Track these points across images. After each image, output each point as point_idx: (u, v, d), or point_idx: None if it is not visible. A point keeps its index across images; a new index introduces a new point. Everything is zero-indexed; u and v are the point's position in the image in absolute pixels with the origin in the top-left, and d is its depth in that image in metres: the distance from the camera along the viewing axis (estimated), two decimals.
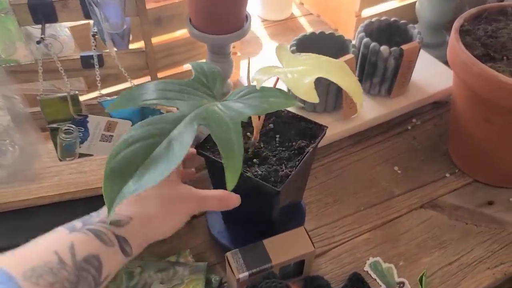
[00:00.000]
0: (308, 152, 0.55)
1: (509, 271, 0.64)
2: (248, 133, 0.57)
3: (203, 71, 0.49)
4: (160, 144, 0.40)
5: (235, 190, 0.41)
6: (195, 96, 0.46)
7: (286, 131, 0.58)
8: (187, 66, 0.87)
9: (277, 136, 0.57)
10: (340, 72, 0.47)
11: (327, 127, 0.58)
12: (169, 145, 0.40)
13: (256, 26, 1.11)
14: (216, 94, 0.48)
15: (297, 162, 0.54)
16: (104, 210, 0.42)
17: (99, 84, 0.55)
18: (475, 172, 0.76)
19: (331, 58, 0.48)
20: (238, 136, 0.42)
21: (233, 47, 0.90)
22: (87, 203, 0.65)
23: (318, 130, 0.57)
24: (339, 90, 0.77)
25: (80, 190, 0.66)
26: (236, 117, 0.44)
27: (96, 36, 0.54)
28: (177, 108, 0.44)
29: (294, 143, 0.56)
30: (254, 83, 0.48)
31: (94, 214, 0.43)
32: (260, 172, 0.53)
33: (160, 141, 0.40)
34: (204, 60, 0.81)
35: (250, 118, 0.54)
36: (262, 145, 0.56)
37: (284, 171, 0.53)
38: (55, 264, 0.36)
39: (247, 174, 0.52)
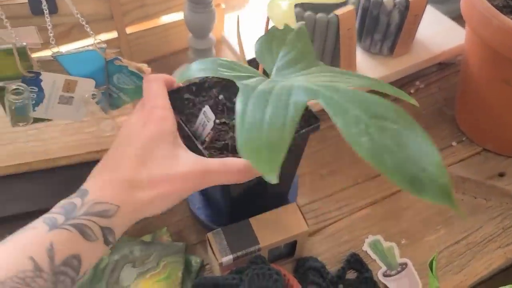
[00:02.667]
0: None
1: None
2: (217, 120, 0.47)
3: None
4: None
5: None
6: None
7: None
8: (161, 21, 0.77)
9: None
10: None
11: None
12: None
13: None
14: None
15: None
16: (89, 198, 0.35)
17: (51, 34, 0.46)
18: (485, 141, 0.69)
19: None
20: None
21: None
22: (47, 175, 0.57)
23: None
24: (336, 46, 0.68)
25: (38, 160, 0.57)
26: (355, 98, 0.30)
27: None
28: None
29: None
30: (299, 24, 0.40)
31: (77, 200, 0.35)
32: None
33: None
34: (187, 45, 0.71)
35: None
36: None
37: None
38: (29, 272, 0.31)
39: None
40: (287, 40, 0.40)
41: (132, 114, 0.42)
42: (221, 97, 0.48)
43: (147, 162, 0.38)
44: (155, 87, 0.43)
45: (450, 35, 0.77)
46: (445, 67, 0.81)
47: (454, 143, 0.70)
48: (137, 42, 0.72)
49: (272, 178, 0.26)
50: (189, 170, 0.38)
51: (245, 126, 0.28)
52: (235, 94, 0.48)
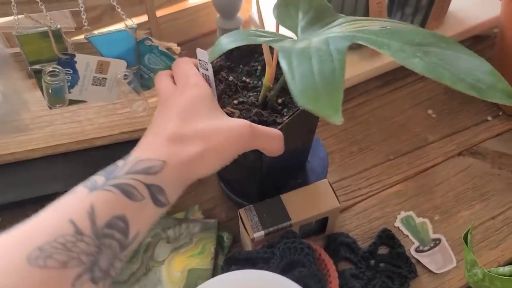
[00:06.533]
0: None
1: None
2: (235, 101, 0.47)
3: None
4: None
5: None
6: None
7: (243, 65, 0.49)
8: (190, 3, 0.78)
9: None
10: None
11: None
12: None
13: None
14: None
15: None
16: (131, 158, 0.34)
17: (84, 16, 0.47)
18: None
19: None
20: None
21: None
22: (83, 156, 0.59)
23: None
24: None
25: (75, 141, 0.59)
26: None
27: None
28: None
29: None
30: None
31: (120, 163, 0.34)
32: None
33: None
34: None
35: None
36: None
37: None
38: (70, 237, 0.29)
39: None
40: (301, 2, 0.41)
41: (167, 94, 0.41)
42: (231, 78, 0.48)
43: (190, 120, 0.37)
44: (186, 67, 0.43)
45: (484, 7, 0.75)
46: (479, 40, 0.78)
47: (489, 118, 0.68)
48: (166, 26, 0.72)
49: (337, 120, 0.28)
50: (237, 124, 0.37)
51: (296, 80, 0.29)
52: (243, 74, 0.49)
